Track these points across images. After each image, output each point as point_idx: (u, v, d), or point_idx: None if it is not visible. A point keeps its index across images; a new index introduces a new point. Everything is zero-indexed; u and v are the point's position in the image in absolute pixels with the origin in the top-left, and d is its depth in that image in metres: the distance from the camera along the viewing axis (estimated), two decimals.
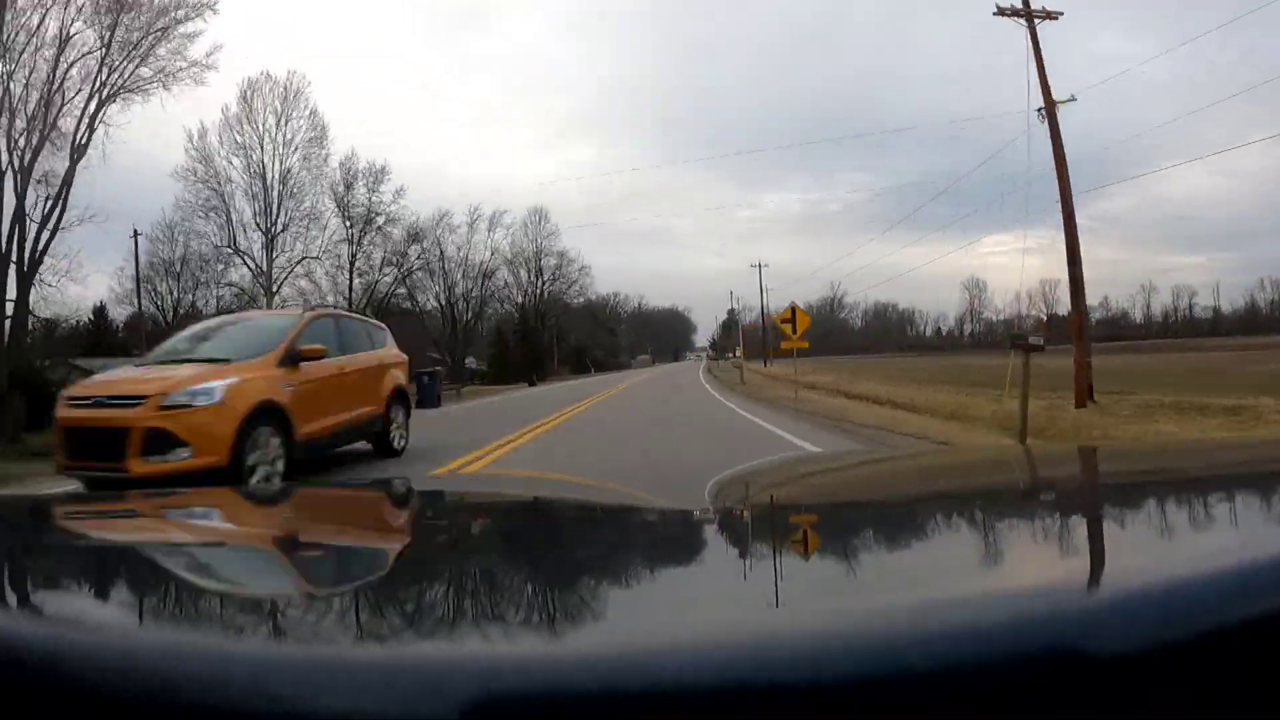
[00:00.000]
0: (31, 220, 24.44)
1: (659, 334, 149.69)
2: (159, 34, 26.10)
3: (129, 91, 26.50)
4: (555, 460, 8.58)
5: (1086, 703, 0.38)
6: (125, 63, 26.20)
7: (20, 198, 24.02)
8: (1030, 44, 13.47)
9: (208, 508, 1.25)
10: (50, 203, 24.84)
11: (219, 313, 26.71)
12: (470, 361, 57.35)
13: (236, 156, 38.20)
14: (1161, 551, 0.71)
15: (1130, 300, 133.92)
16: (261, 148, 38.53)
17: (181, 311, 38.43)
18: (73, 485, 6.41)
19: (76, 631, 0.51)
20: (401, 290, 48.09)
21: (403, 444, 9.08)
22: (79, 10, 24.88)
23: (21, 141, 24.15)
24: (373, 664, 0.42)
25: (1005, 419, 9.86)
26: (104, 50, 25.55)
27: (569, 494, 1.43)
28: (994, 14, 13.67)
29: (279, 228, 38.15)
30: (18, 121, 23.86)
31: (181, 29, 26.34)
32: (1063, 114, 13.50)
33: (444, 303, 57.99)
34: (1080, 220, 14.09)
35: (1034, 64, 13.44)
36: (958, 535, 0.86)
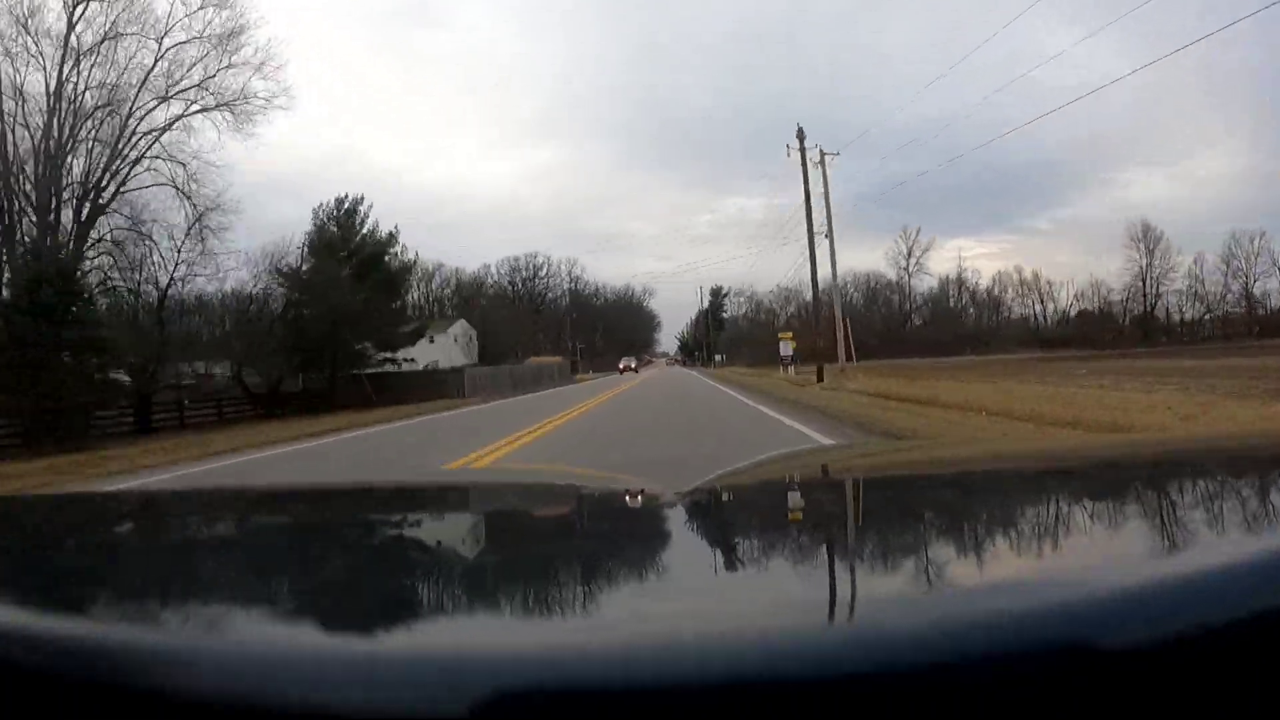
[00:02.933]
0: None
1: (605, 324, 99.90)
2: None
3: None
4: None
5: (1099, 696, 0.38)
6: None
7: None
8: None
9: (218, 502, 1.34)
10: None
11: None
12: None
13: None
14: (1174, 544, 0.72)
15: None
16: None
17: None
18: None
19: (89, 629, 0.52)
20: None
21: None
22: None
23: None
24: (385, 659, 0.43)
25: None
26: None
27: (579, 485, 1.48)
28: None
29: None
30: None
31: None
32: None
33: None
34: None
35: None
36: (965, 528, 0.88)
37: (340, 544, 0.95)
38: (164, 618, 0.62)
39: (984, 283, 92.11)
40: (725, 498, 1.17)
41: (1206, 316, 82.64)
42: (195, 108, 27.04)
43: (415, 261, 39.43)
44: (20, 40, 24.23)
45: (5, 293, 21.41)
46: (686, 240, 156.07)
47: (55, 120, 24.76)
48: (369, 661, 0.42)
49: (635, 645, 0.46)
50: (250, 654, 0.44)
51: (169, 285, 26.19)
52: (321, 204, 34.64)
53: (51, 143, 24.63)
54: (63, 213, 25.28)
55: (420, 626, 0.58)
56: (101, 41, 25.32)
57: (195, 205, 26.33)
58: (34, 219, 24.46)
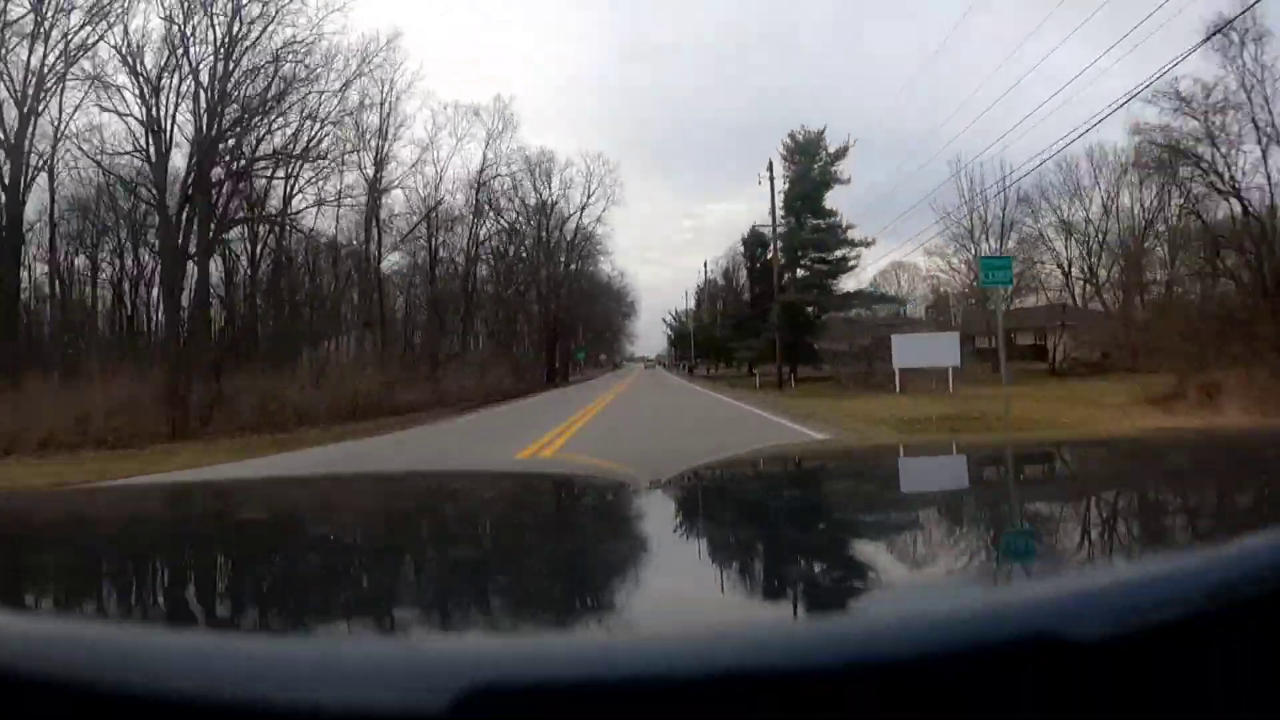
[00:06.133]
0: None
1: (521, 301, 40.08)
2: None
3: None
4: None
5: (1069, 688, 0.40)
6: None
7: None
8: None
9: (196, 499, 1.38)
10: None
11: None
12: None
13: None
14: (1140, 539, 0.78)
15: None
16: None
17: None
18: None
19: (66, 628, 0.53)
20: None
21: None
22: None
23: None
24: (364, 655, 0.44)
25: None
26: None
27: (553, 475, 1.57)
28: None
29: None
30: None
31: None
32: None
33: None
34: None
35: None
36: (938, 523, 0.93)
37: (315, 540, 0.99)
38: (141, 616, 0.64)
39: None
40: (702, 489, 1.22)
41: None
42: None
43: None
44: None
45: None
46: (671, 248, 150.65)
47: None
48: (348, 658, 0.43)
49: (614, 639, 0.47)
50: (227, 652, 0.44)
51: None
52: None
53: None
54: None
55: (398, 622, 0.60)
56: None
57: None
58: None
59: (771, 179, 30.52)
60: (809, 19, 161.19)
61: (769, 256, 43.40)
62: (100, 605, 0.68)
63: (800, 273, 33.20)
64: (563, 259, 45.47)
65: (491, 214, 37.44)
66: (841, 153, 33.08)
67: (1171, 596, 0.43)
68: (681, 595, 0.63)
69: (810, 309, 32.92)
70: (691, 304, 79.15)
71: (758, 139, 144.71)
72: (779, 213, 30.63)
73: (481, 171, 36.39)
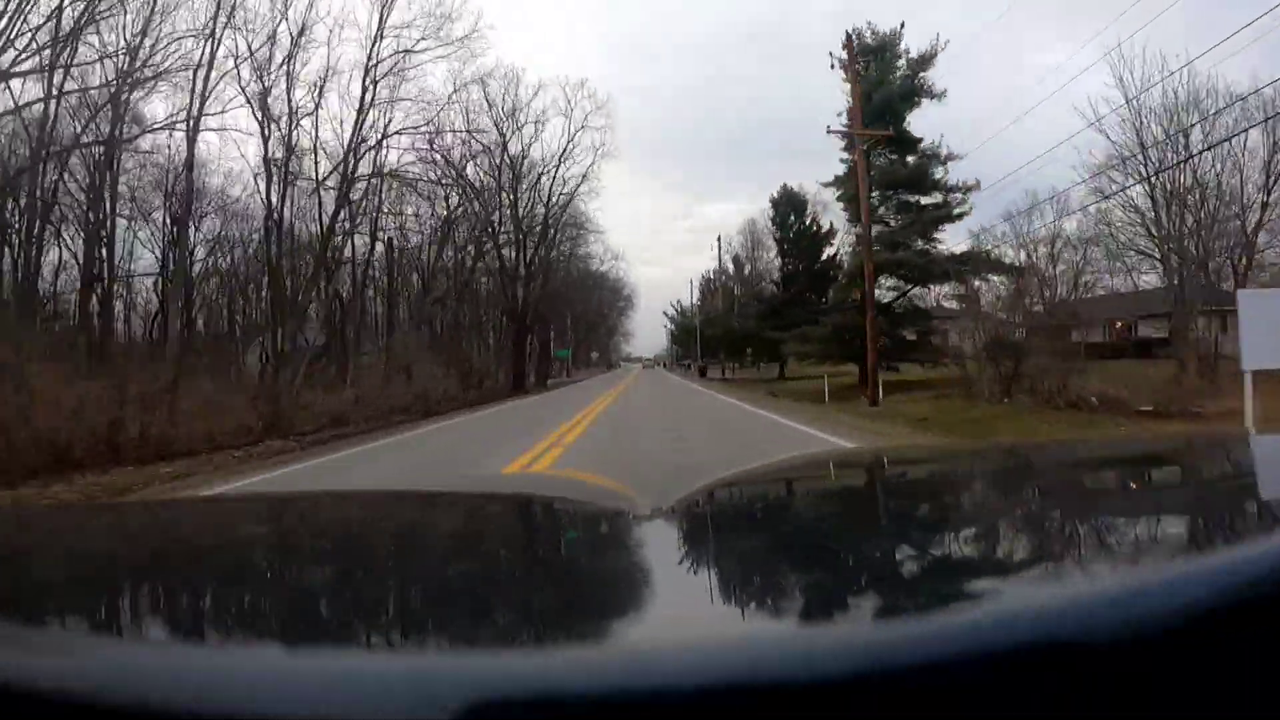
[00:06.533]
0: None
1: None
2: None
3: None
4: None
5: (1077, 692, 0.40)
6: None
7: None
8: None
9: (196, 515, 1.37)
10: None
11: None
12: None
13: None
14: (1146, 544, 0.79)
15: None
16: None
17: None
18: None
19: (69, 640, 0.54)
20: None
21: None
22: None
23: None
24: (363, 669, 0.44)
25: None
26: None
27: (563, 497, 1.54)
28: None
29: None
30: None
31: None
32: None
33: None
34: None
35: None
36: (942, 534, 0.94)
37: (318, 554, 0.99)
38: (143, 632, 0.64)
39: None
40: (709, 510, 1.22)
41: None
42: None
43: None
44: None
45: None
46: (669, 248, 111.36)
47: None
48: (350, 673, 0.43)
49: (612, 655, 0.48)
50: (229, 668, 0.44)
51: None
52: None
53: None
54: None
55: (399, 636, 0.62)
56: None
57: None
58: None
59: (852, 53, 19.80)
60: (810, 14, 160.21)
61: (808, 219, 33.59)
62: (101, 620, 0.68)
63: (874, 228, 21.78)
64: (538, 227, 34.11)
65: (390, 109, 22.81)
66: (928, 59, 23.01)
67: (1178, 600, 0.43)
68: (684, 609, 0.63)
69: (900, 281, 22.46)
70: (696, 297, 69.29)
71: (758, 138, 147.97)
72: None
73: (376, 41, 21.47)
